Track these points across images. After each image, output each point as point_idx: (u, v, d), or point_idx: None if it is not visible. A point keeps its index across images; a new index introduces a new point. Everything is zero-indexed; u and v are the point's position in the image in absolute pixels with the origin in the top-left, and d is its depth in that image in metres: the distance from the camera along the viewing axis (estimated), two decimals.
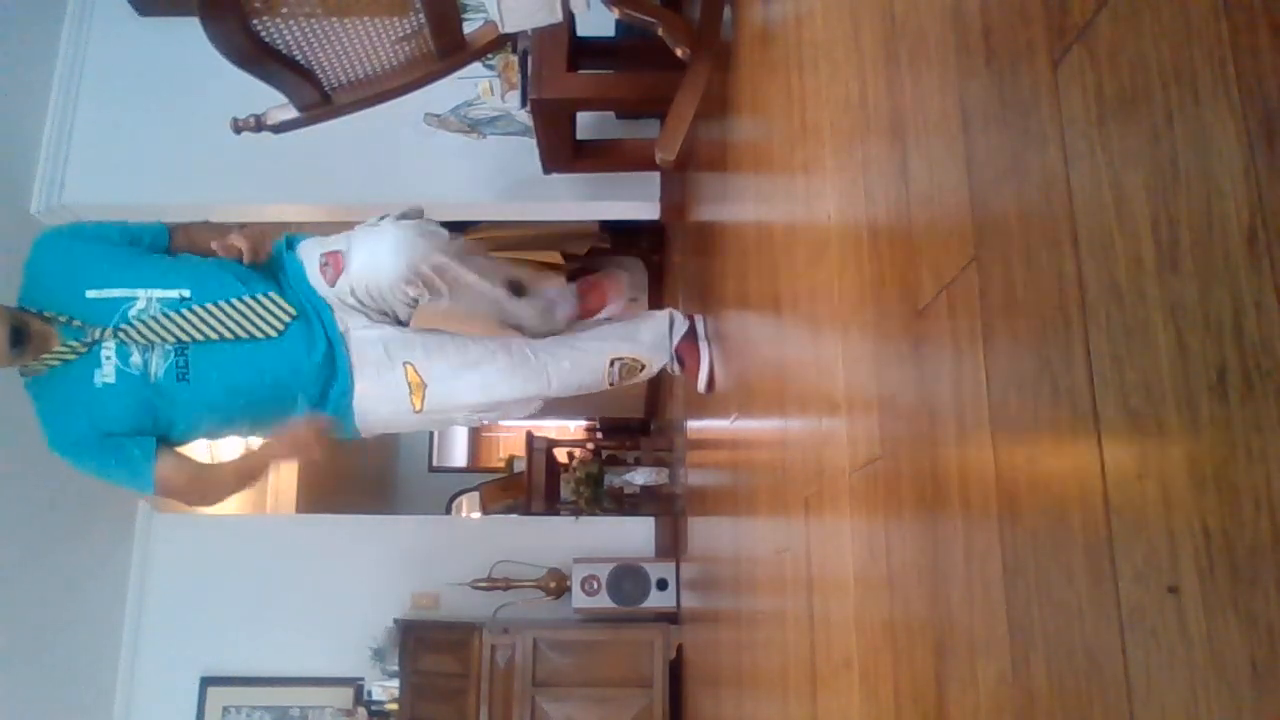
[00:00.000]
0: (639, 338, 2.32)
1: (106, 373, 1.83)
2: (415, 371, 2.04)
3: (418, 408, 2.04)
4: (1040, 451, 0.56)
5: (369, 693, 4.18)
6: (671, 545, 3.72)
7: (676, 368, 2.36)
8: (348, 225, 2.10)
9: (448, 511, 6.34)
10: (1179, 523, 0.42)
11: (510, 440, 9.24)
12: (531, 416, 2.32)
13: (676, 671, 3.48)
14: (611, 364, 2.25)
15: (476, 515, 5.94)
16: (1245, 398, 0.38)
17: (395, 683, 3.94)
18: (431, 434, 8.16)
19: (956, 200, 0.69)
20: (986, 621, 0.62)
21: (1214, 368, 0.40)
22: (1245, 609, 0.38)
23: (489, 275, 2.15)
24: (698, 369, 2.27)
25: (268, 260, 2.03)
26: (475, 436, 8.94)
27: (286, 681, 4.24)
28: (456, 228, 2.50)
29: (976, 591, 0.64)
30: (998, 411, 0.62)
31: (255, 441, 2.11)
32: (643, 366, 2.29)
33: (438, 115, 3.32)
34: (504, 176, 3.48)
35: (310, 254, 2.02)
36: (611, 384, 2.27)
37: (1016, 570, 0.58)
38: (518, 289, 2.21)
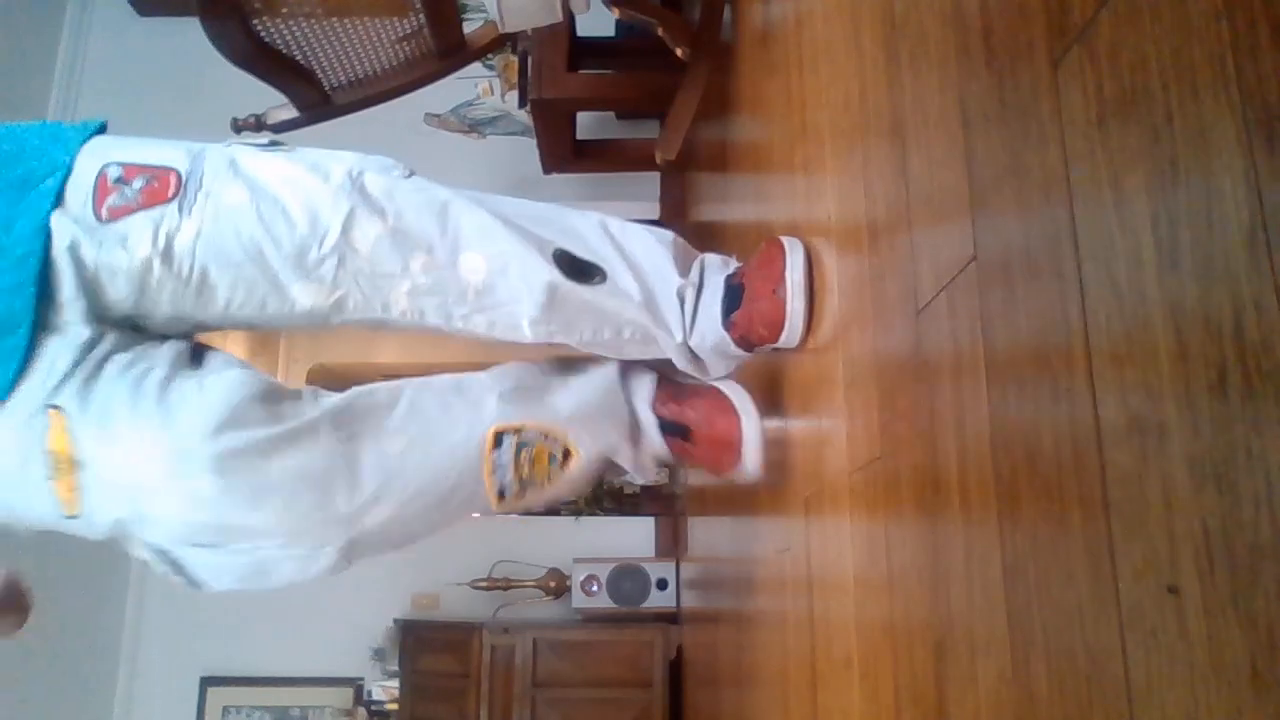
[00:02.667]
0: (560, 395, 1.18)
1: None
2: (64, 430, 0.98)
3: (70, 507, 1.00)
4: (1040, 451, 0.56)
5: (369, 693, 4.18)
6: (671, 545, 3.72)
7: (653, 463, 1.25)
8: None
9: None
10: (1179, 523, 0.42)
11: None
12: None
13: (676, 671, 3.48)
14: (497, 442, 1.12)
15: (476, 515, 5.93)
16: (1245, 398, 0.38)
17: (395, 683, 3.94)
18: None
19: (956, 200, 0.69)
20: (986, 621, 0.62)
21: (1214, 367, 0.40)
22: (1245, 609, 0.38)
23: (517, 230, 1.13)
24: (734, 440, 1.19)
25: None
26: None
27: (286, 682, 4.24)
28: None
29: (976, 591, 0.64)
30: (997, 410, 0.62)
31: None
32: (565, 455, 1.15)
33: (438, 115, 3.32)
34: (504, 176, 3.48)
35: (90, 157, 1.04)
36: (501, 495, 1.13)
37: (1016, 570, 0.58)
38: (578, 266, 1.14)
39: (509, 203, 1.19)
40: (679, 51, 2.17)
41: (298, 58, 1.91)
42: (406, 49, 2.05)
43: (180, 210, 1.03)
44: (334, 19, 1.90)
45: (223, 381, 1.04)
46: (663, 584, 3.60)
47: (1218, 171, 0.40)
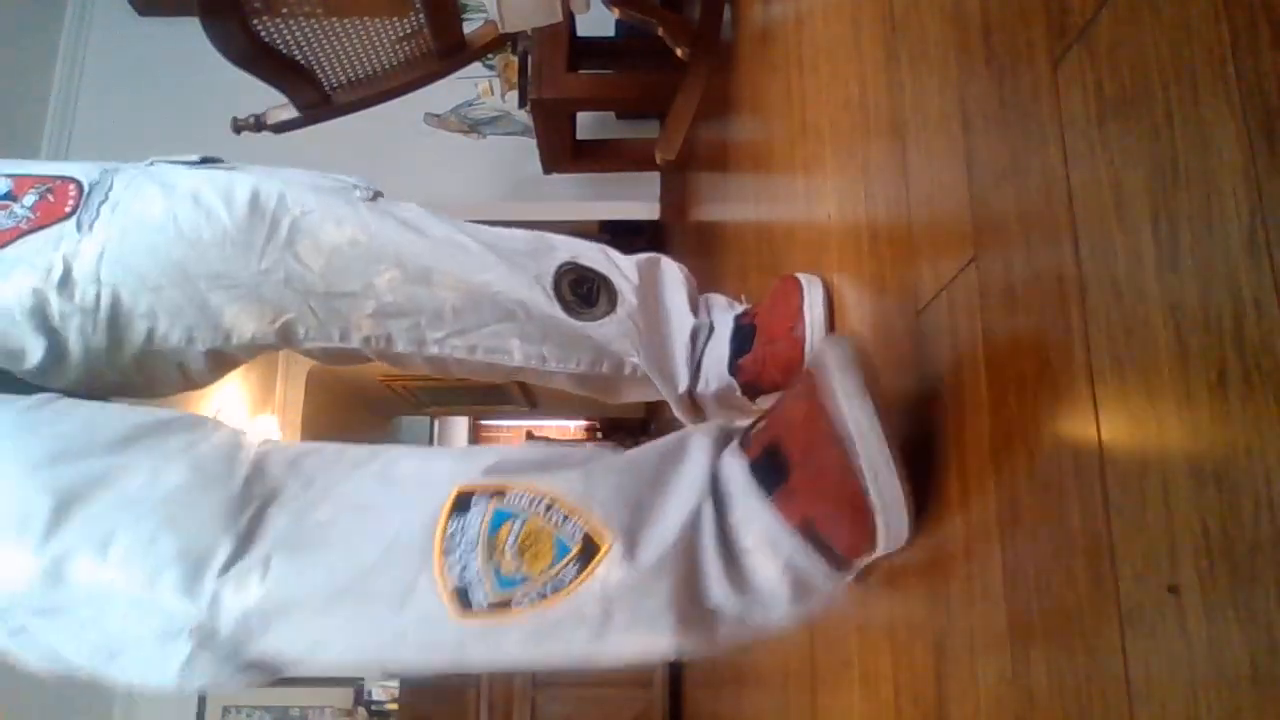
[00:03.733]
0: (598, 461, 0.76)
1: None
2: None
3: None
4: (1039, 451, 0.56)
5: (369, 693, 4.19)
6: None
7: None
8: None
9: None
10: (1179, 522, 0.42)
11: (510, 439, 9.19)
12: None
13: (676, 671, 3.48)
14: (460, 505, 0.70)
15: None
16: (1245, 397, 0.38)
17: (395, 683, 3.95)
18: (432, 424, 7.93)
19: (956, 200, 0.69)
20: (986, 621, 0.62)
21: (1214, 367, 0.40)
22: (1245, 608, 0.38)
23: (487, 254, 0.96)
24: (859, 495, 0.67)
25: None
26: (475, 432, 8.85)
27: (286, 681, 4.24)
28: None
29: (976, 591, 0.64)
30: (997, 410, 0.62)
31: None
32: (586, 546, 0.68)
33: (438, 115, 3.32)
34: (504, 177, 3.48)
35: None
36: (464, 599, 0.68)
37: (1016, 570, 0.58)
38: (585, 290, 0.99)
39: (501, 234, 1.01)
40: (679, 51, 2.17)
41: (298, 58, 1.91)
42: (406, 49, 2.05)
43: (79, 227, 0.83)
44: (334, 19, 1.90)
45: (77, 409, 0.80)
46: None
47: (1218, 171, 0.40)
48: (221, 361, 0.92)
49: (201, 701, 4.15)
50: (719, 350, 1.05)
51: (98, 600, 0.71)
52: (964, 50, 0.68)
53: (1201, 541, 0.41)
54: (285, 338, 0.91)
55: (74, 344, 0.84)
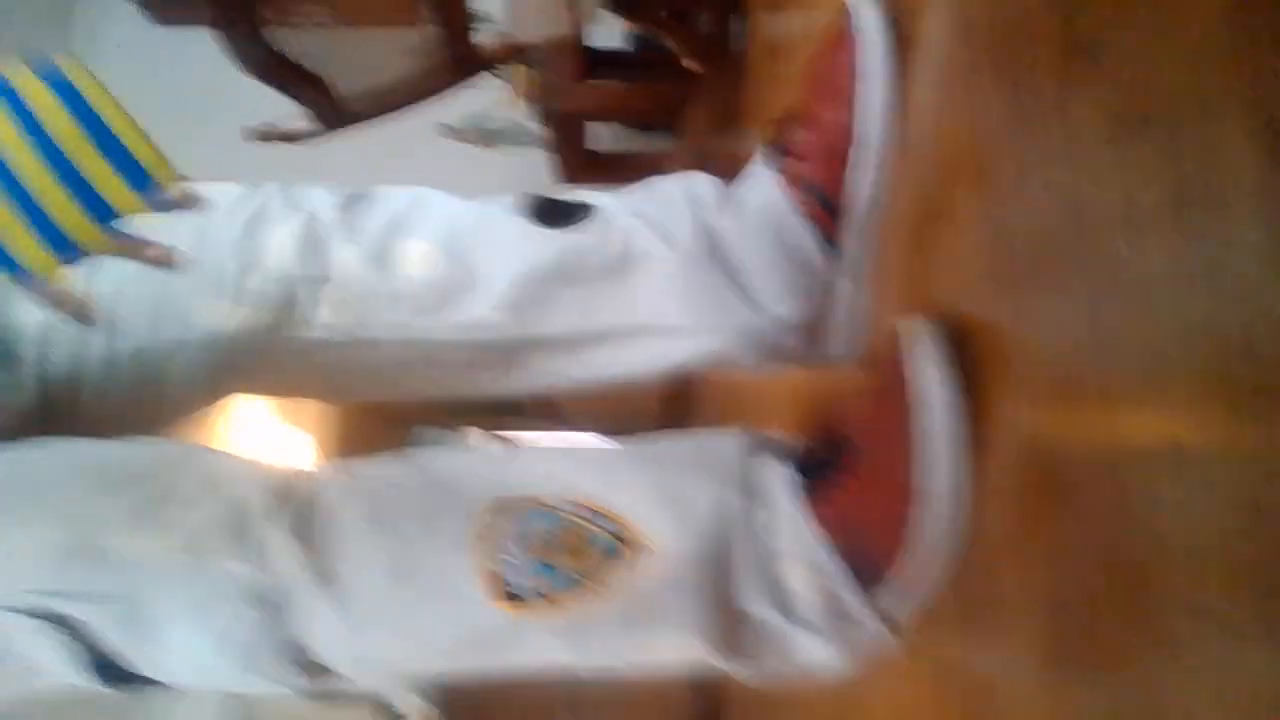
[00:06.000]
0: (631, 457, 0.78)
1: None
2: None
3: None
4: (1054, 471, 0.55)
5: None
6: None
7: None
8: None
9: None
10: (1201, 545, 0.41)
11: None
12: None
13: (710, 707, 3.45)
14: (499, 509, 0.71)
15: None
16: (1261, 416, 0.38)
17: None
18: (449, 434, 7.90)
19: (965, 218, 0.68)
20: (1019, 652, 0.61)
21: (1229, 385, 0.40)
22: (1272, 633, 0.37)
23: None
24: (909, 480, 0.62)
25: None
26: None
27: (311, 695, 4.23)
28: None
29: (1007, 620, 0.63)
30: (1012, 431, 0.61)
31: None
32: (619, 543, 0.70)
33: (448, 126, 3.33)
34: (513, 188, 3.49)
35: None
36: (512, 596, 0.69)
37: (1056, 598, 0.57)
38: (550, 208, 0.92)
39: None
40: (689, 64, 2.17)
41: (309, 68, 1.92)
42: (417, 60, 2.06)
43: None
44: (345, 30, 1.91)
45: None
46: None
47: (1229, 186, 0.40)
48: (179, 367, 0.82)
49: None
50: (760, 181, 0.90)
51: (130, 573, 0.66)
52: (972, 67, 0.68)
53: (1235, 567, 0.40)
54: (249, 335, 0.82)
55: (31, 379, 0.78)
